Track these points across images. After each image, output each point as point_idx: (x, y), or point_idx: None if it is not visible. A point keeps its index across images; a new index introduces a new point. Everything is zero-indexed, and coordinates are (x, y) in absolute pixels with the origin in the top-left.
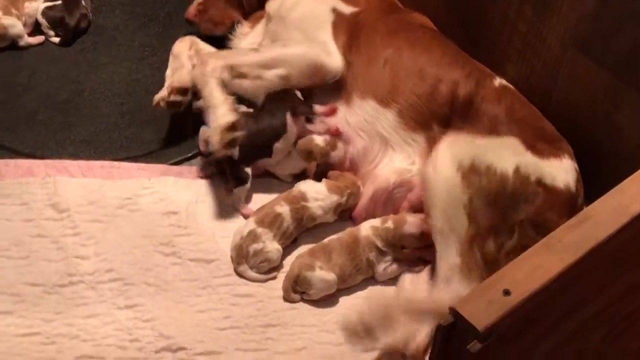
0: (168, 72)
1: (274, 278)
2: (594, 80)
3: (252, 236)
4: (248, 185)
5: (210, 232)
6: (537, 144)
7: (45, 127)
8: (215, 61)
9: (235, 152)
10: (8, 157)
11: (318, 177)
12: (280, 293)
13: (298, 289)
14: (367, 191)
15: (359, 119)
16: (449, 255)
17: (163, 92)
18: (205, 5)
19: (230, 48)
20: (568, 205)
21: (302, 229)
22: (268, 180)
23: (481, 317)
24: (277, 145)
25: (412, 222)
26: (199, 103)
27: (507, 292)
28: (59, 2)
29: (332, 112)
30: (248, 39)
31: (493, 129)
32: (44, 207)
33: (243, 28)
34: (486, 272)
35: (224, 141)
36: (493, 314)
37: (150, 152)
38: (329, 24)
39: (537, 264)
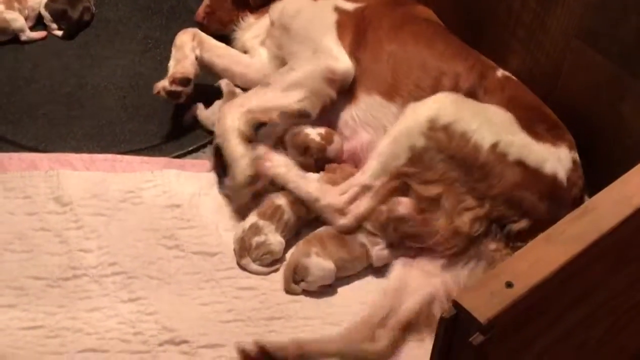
0: (171, 63)
1: (277, 271)
2: (598, 71)
3: (254, 229)
4: None
5: (213, 225)
6: (537, 127)
7: (48, 121)
8: (233, 112)
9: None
10: (11, 150)
11: (319, 172)
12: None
13: (297, 278)
14: None
15: (365, 114)
16: (368, 171)
17: (164, 81)
18: (213, 7)
19: (234, 39)
20: (551, 191)
21: (304, 220)
22: None
23: (483, 309)
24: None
25: (404, 203)
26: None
27: (509, 285)
28: None
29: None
30: (252, 30)
31: None
32: (47, 201)
33: (248, 19)
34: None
35: (244, 199)
36: (495, 306)
37: (153, 145)
38: (332, 25)
39: (540, 256)
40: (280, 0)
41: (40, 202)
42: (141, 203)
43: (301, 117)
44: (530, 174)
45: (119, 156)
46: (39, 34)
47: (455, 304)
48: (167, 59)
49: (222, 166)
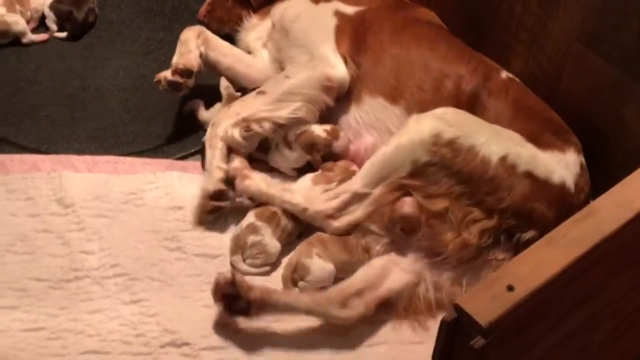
0: (175, 57)
1: (267, 274)
2: (600, 75)
3: (252, 228)
4: None
5: (215, 227)
6: (544, 136)
7: (50, 122)
8: (227, 121)
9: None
10: (14, 152)
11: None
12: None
13: (296, 277)
14: None
15: (369, 117)
16: (362, 179)
17: (166, 72)
18: (214, 6)
19: (238, 40)
20: (560, 199)
21: (303, 225)
22: (271, 175)
23: (485, 312)
24: None
25: (408, 202)
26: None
27: (510, 288)
28: None
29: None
30: (256, 32)
31: (500, 120)
32: (49, 202)
33: (251, 20)
34: (429, 227)
35: (206, 209)
36: (497, 309)
37: (156, 147)
38: (331, 31)
39: (541, 259)
40: (282, 2)
41: (42, 204)
42: (143, 205)
43: (297, 124)
44: (540, 185)
45: (121, 158)
46: (41, 37)
47: (457, 307)
48: (170, 60)
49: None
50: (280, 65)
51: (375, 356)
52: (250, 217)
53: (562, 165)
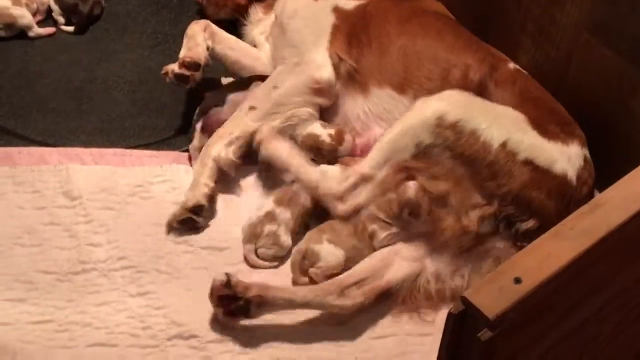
0: (182, 51)
1: (275, 267)
2: (608, 66)
3: (270, 217)
4: (195, 141)
5: (222, 220)
6: (548, 126)
7: (57, 115)
8: (220, 142)
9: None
10: (21, 144)
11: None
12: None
13: (306, 264)
14: None
15: (377, 108)
16: (368, 161)
17: (174, 65)
18: None
19: (243, 34)
20: (560, 191)
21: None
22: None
23: (492, 305)
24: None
25: (412, 187)
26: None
27: (518, 280)
28: None
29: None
30: (260, 26)
31: None
32: (57, 195)
33: (257, 14)
34: (429, 207)
35: (181, 217)
36: (504, 302)
37: (163, 139)
38: (327, 30)
39: (549, 251)
40: None
41: (50, 197)
42: (150, 197)
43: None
44: (540, 173)
45: (128, 150)
46: (47, 30)
47: (464, 300)
48: (177, 53)
49: None
50: (275, 63)
51: (384, 348)
52: (269, 204)
53: (565, 157)
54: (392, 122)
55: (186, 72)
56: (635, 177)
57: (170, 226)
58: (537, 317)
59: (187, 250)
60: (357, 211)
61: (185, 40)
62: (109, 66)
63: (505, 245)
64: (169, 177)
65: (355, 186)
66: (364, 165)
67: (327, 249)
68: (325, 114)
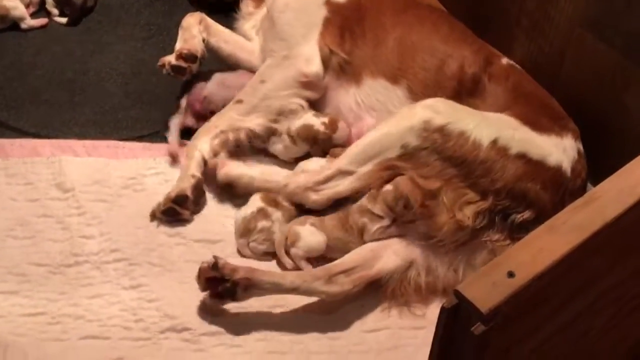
0: (178, 43)
1: (267, 260)
2: (602, 61)
3: (263, 213)
4: (179, 117)
5: (215, 213)
6: (541, 119)
7: (50, 107)
8: (206, 134)
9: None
10: (13, 136)
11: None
12: None
13: (288, 244)
14: None
15: (370, 99)
16: (346, 157)
17: (170, 56)
18: None
19: (235, 28)
20: (555, 182)
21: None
22: (271, 160)
23: (485, 299)
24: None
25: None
26: None
27: (511, 274)
28: None
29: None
30: (251, 20)
31: (498, 105)
32: (49, 187)
33: (247, 7)
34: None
35: (165, 206)
36: (497, 296)
37: (156, 131)
38: (318, 24)
39: (542, 245)
40: None
41: (42, 189)
42: (143, 190)
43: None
44: (534, 166)
45: (121, 143)
46: (40, 22)
47: (457, 294)
48: (170, 45)
49: None
50: (264, 56)
51: (376, 342)
52: (258, 202)
53: (559, 149)
54: (384, 113)
55: (183, 64)
56: (629, 171)
57: (153, 216)
58: (531, 310)
59: (179, 243)
60: (330, 201)
61: (180, 33)
62: (102, 58)
63: (501, 237)
64: (162, 170)
65: (330, 179)
66: (341, 160)
67: (308, 229)
68: (317, 106)
